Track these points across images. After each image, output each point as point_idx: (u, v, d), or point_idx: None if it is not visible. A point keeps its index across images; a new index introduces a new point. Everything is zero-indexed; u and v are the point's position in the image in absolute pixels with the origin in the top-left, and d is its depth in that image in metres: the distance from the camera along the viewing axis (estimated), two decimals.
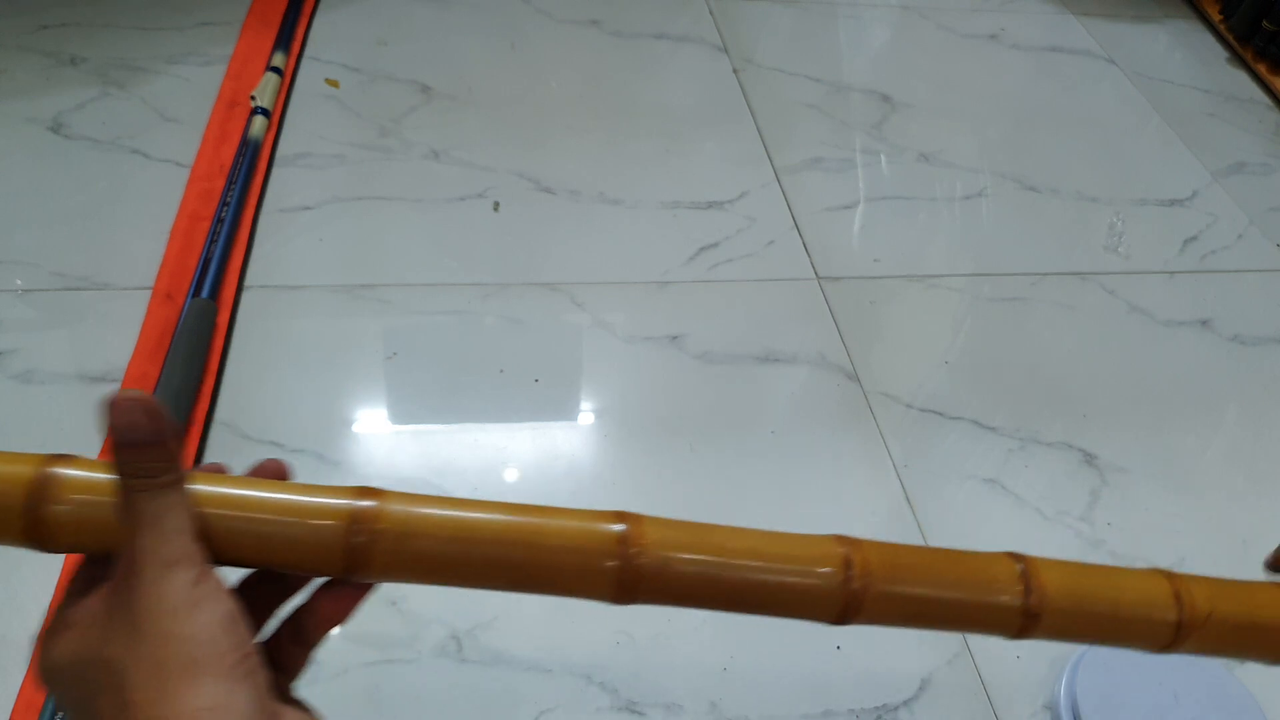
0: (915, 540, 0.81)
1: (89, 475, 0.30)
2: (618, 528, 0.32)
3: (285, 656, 0.33)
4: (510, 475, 0.82)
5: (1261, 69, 1.46)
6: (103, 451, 0.33)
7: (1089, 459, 0.90)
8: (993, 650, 0.76)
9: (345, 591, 0.32)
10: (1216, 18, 1.56)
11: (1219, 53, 1.53)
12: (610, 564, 0.31)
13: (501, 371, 0.90)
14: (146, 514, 0.29)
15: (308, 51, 1.24)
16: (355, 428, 0.84)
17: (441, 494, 0.33)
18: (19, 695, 0.65)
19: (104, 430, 0.29)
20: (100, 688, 0.27)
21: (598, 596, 0.32)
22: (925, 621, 0.34)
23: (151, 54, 1.19)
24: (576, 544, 0.31)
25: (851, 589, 0.32)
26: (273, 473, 0.34)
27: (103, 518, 0.30)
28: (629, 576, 0.31)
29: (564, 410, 0.89)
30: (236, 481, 0.31)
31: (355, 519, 0.31)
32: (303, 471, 0.73)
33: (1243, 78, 1.48)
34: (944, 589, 0.33)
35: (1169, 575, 0.36)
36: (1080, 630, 0.35)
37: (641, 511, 0.34)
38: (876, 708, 0.72)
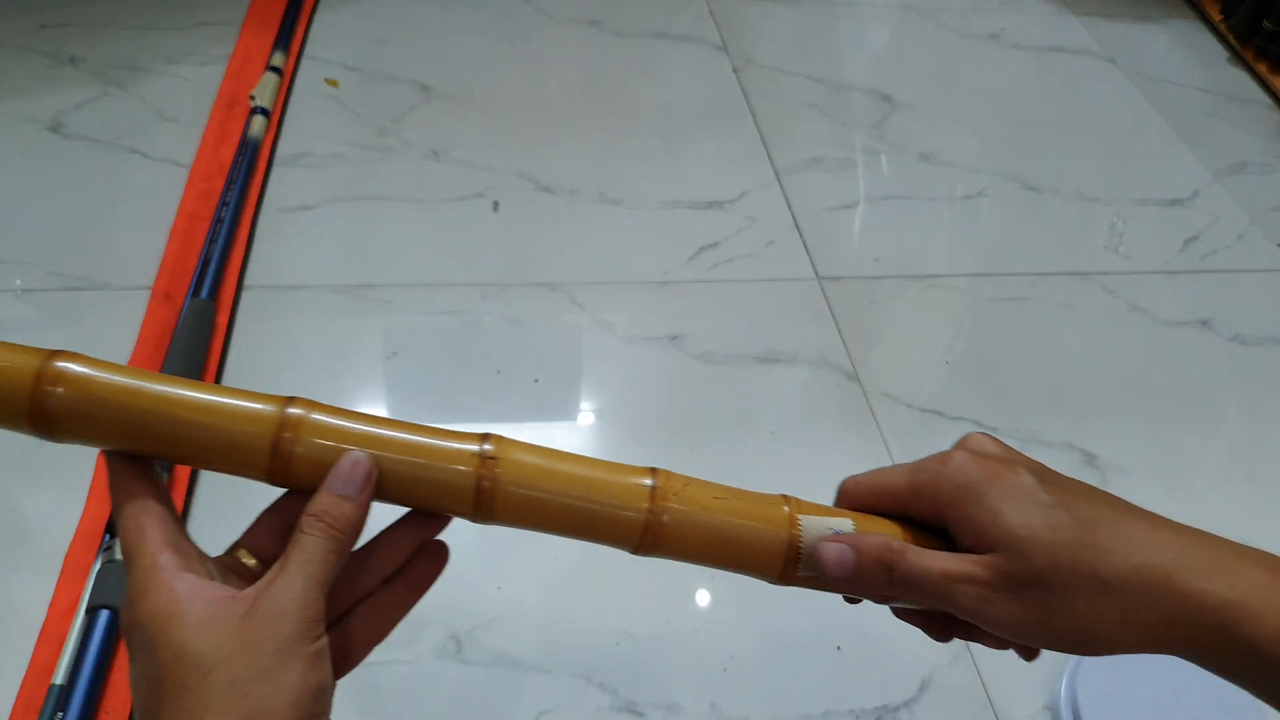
0: None
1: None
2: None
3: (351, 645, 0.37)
4: None
5: (1262, 69, 1.46)
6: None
7: (1089, 459, 0.90)
8: (994, 651, 0.76)
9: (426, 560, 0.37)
10: (1217, 17, 1.56)
11: (1219, 52, 1.53)
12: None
13: (499, 372, 0.90)
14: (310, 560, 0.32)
15: (307, 51, 1.24)
16: None
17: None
18: (19, 695, 0.65)
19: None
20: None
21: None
22: (553, 525, 0.36)
23: (151, 54, 1.19)
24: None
25: (483, 486, 0.35)
26: None
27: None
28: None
29: (564, 410, 0.89)
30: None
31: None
32: None
33: (1243, 77, 1.48)
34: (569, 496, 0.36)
35: (786, 499, 0.39)
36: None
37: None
38: (877, 708, 0.71)
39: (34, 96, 1.10)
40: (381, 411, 0.85)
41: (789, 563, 0.38)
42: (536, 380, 0.90)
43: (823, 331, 0.98)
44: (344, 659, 0.35)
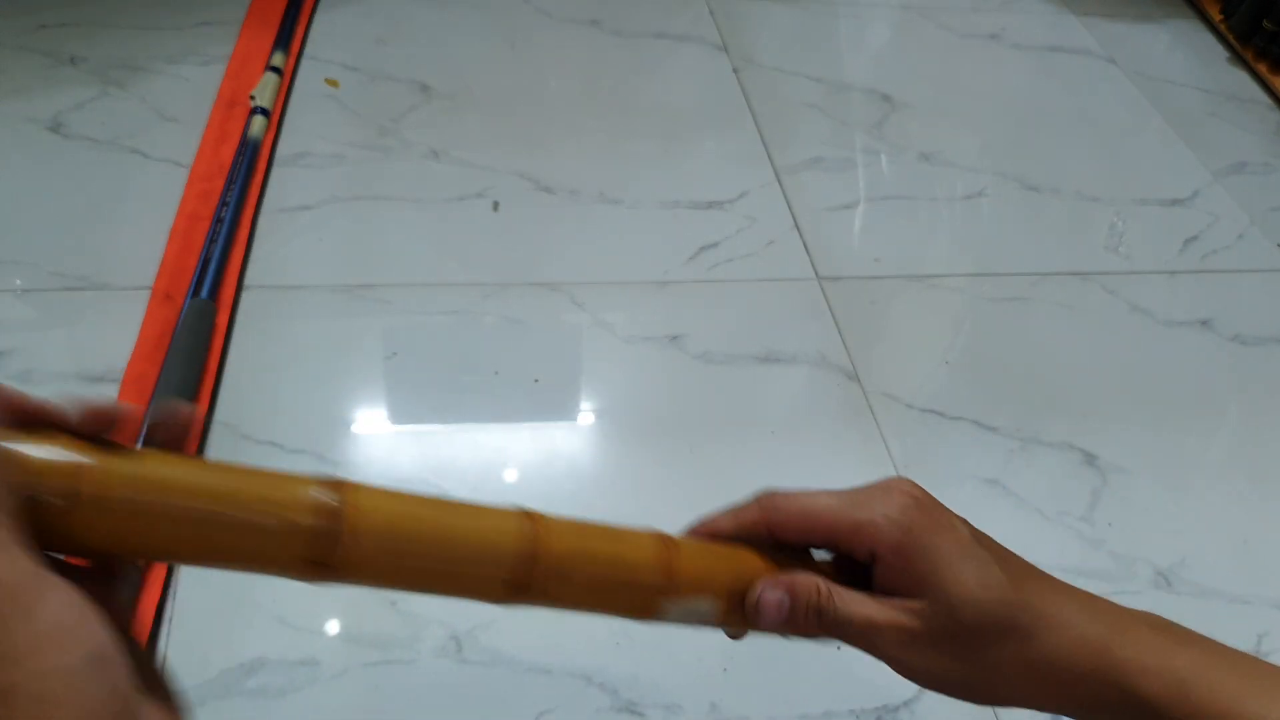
0: None
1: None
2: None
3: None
4: (510, 476, 0.82)
5: (1262, 69, 1.46)
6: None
7: (1089, 459, 0.90)
8: None
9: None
10: (1217, 17, 1.56)
11: (1219, 52, 1.53)
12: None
13: (497, 373, 0.90)
14: None
15: (307, 51, 1.24)
16: (355, 428, 0.84)
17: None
18: None
19: None
20: None
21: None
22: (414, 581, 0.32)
23: (151, 54, 1.19)
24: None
25: (332, 534, 0.30)
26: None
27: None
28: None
29: (564, 410, 0.89)
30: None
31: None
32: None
33: (1243, 77, 1.48)
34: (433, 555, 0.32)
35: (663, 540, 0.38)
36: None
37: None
38: (877, 708, 0.71)
39: (34, 96, 1.10)
40: (382, 414, 0.86)
41: (656, 602, 0.37)
42: (536, 380, 0.90)
43: (823, 331, 0.98)
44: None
